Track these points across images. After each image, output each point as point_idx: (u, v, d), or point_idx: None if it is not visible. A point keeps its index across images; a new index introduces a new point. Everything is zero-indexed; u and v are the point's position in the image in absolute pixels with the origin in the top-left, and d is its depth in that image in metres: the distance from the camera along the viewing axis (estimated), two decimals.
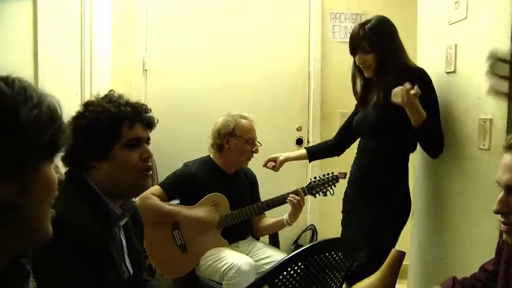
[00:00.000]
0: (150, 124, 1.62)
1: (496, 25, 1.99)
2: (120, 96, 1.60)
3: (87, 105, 1.55)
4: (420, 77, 2.29)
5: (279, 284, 1.90)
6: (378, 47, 2.35)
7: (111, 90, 1.65)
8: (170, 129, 3.67)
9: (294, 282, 1.93)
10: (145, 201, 2.62)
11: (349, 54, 2.51)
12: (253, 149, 2.86)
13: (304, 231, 3.82)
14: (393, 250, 1.49)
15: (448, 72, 2.36)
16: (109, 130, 1.50)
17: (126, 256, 1.64)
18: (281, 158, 2.84)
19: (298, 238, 3.80)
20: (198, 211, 2.73)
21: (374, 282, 1.46)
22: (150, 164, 1.59)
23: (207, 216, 2.72)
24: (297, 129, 3.84)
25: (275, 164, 2.84)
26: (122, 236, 1.63)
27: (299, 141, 3.83)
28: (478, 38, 2.13)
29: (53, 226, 1.27)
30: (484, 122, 2.06)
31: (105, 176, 1.51)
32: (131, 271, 1.64)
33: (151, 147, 3.61)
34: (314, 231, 3.80)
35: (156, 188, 2.75)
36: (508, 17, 1.91)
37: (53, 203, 1.38)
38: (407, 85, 2.14)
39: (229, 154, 2.83)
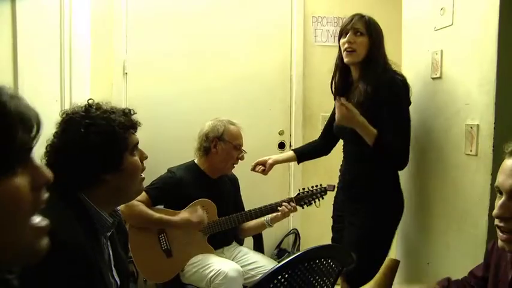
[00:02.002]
0: (137, 127, 1.61)
1: (483, 32, 2.01)
2: (100, 104, 1.56)
3: (82, 118, 1.47)
4: (392, 87, 2.28)
5: None
6: (371, 36, 2.33)
7: (90, 99, 1.61)
8: (150, 133, 3.59)
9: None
10: (133, 208, 2.59)
11: (331, 57, 2.52)
12: (239, 156, 2.84)
13: (287, 235, 3.80)
14: (387, 259, 1.49)
15: (433, 78, 2.38)
16: (121, 140, 1.48)
17: (113, 267, 1.61)
18: (270, 161, 2.80)
19: (281, 242, 3.78)
20: (187, 216, 2.68)
21: None
22: None
23: (196, 220, 2.67)
24: (279, 133, 3.82)
25: (264, 168, 2.81)
26: (108, 247, 1.60)
27: (281, 145, 3.81)
28: (465, 44, 2.15)
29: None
30: (471, 127, 2.07)
31: (114, 186, 1.47)
32: (118, 282, 1.61)
33: None
34: (297, 235, 3.79)
35: (141, 194, 2.71)
36: (495, 24, 1.92)
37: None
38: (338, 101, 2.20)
39: (216, 158, 2.81)
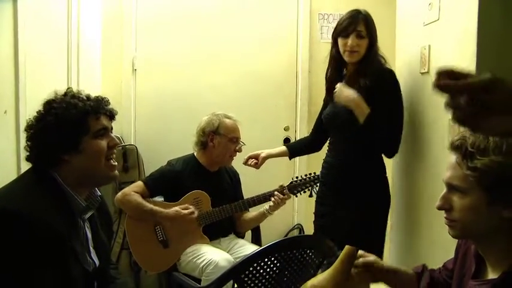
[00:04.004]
0: (112, 115, 1.69)
1: (465, 27, 2.01)
2: (79, 92, 1.66)
3: (50, 103, 1.60)
4: (384, 79, 2.38)
5: (246, 279, 1.94)
6: (370, 36, 2.40)
7: (69, 88, 1.72)
8: (158, 128, 3.72)
9: (260, 277, 1.97)
10: (126, 197, 2.71)
11: None
12: (236, 148, 2.90)
13: (291, 230, 3.85)
14: (346, 246, 1.51)
15: (422, 73, 2.39)
16: (77, 124, 1.57)
17: (91, 248, 1.69)
18: (263, 154, 2.86)
19: (285, 237, 3.82)
20: (177, 208, 2.76)
21: (326, 278, 1.48)
22: (115, 151, 1.68)
23: (186, 214, 2.74)
24: (284, 129, 3.87)
25: (257, 161, 2.86)
26: (87, 229, 1.68)
27: (286, 141, 3.85)
28: (449, 39, 2.15)
29: (10, 219, 1.35)
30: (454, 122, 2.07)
31: (77, 168, 1.57)
32: (97, 262, 1.69)
33: (139, 145, 3.66)
34: (301, 231, 3.83)
35: (138, 184, 2.82)
36: (475, 18, 1.93)
37: (15, 197, 1.47)
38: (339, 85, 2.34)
39: (213, 152, 2.88)
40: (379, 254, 2.42)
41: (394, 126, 2.38)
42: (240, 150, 2.92)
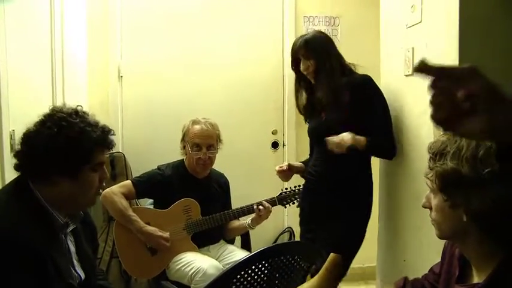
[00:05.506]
0: (111, 148, 1.70)
1: (447, 28, 2.02)
2: (85, 114, 1.63)
3: (60, 119, 1.56)
4: (360, 85, 2.40)
5: (233, 287, 1.93)
6: (314, 54, 2.44)
7: (79, 106, 1.68)
8: (145, 135, 3.70)
9: (249, 285, 1.96)
10: (113, 197, 2.71)
11: None
12: (197, 157, 2.83)
13: (281, 234, 3.84)
14: (331, 254, 1.50)
15: (406, 75, 2.39)
16: (85, 154, 1.56)
17: (75, 261, 1.67)
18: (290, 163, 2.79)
19: (276, 241, 3.82)
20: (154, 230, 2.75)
21: (312, 286, 1.48)
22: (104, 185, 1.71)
23: (160, 237, 2.73)
24: (272, 133, 3.86)
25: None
26: (69, 242, 1.67)
27: (275, 145, 3.85)
28: (432, 42, 2.16)
29: None
30: None
31: (65, 192, 1.55)
32: (82, 275, 1.68)
33: (126, 152, 3.65)
34: (291, 234, 3.82)
35: (126, 184, 2.81)
36: (456, 20, 1.93)
37: None
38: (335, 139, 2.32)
39: (188, 158, 2.88)
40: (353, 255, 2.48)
41: (389, 133, 2.42)
42: (204, 160, 2.84)
